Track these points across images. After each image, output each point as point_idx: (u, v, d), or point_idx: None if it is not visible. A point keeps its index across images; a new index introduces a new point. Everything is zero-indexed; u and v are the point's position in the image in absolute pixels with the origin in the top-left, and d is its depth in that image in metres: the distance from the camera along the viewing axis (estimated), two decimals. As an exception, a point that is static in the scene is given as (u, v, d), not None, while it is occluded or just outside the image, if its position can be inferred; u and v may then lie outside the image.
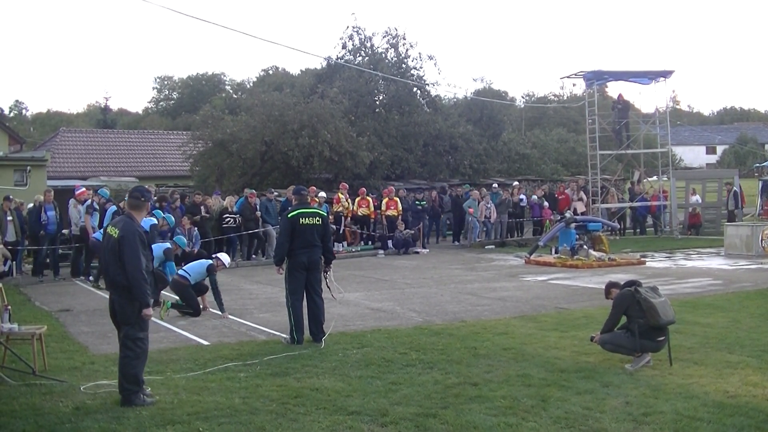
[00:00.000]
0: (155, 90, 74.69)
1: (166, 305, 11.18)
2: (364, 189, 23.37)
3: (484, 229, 23.43)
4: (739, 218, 24.20)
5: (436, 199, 24.60)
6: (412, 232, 22.00)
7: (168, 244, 12.87)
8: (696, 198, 27.27)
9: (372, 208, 22.41)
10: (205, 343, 9.28)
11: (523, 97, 65.65)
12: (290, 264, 9.27)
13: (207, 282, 11.54)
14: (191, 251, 15.88)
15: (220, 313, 11.16)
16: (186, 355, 8.41)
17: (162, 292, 11.39)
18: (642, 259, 18.15)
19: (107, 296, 6.84)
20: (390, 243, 21.87)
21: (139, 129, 49.19)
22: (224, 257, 12.05)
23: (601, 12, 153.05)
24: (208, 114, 28.29)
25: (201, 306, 11.46)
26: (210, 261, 11.92)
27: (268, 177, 27.64)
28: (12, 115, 70.99)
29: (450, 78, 72.40)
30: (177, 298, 11.52)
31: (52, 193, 17.30)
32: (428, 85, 32.37)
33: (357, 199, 22.47)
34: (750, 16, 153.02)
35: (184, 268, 11.64)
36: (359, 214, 22.33)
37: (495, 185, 25.72)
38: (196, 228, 17.90)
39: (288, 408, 6.28)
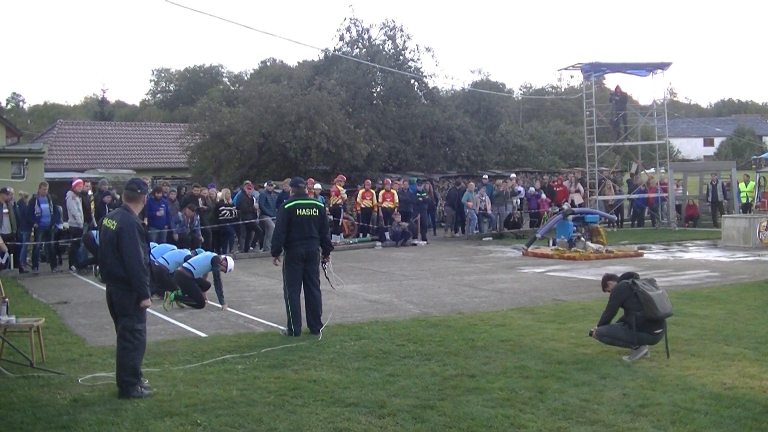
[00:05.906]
0: (152, 82, 74.62)
1: (170, 297, 11.17)
2: (369, 180, 23.31)
3: (486, 220, 23.45)
4: (735, 210, 24.17)
5: (431, 190, 24.61)
6: (407, 224, 21.94)
7: (214, 254, 12.13)
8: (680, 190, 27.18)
9: (375, 201, 22.44)
10: (203, 335, 9.28)
11: (520, 89, 65.69)
12: (288, 255, 9.27)
13: (209, 277, 11.52)
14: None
15: (219, 305, 11.16)
16: (184, 347, 8.41)
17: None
18: (639, 251, 18.16)
19: (105, 288, 6.83)
20: (387, 235, 21.86)
21: (137, 121, 49.15)
22: (231, 261, 11.86)
23: (599, 4, 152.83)
24: (206, 106, 28.24)
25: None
26: (213, 254, 11.89)
27: (265, 169, 27.65)
28: (9, 107, 70.77)
29: (447, 70, 72.69)
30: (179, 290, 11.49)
31: (47, 186, 17.24)
32: (426, 76, 32.35)
33: (362, 191, 22.46)
34: (747, 9, 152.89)
35: (189, 261, 11.62)
36: (363, 206, 22.34)
37: (485, 176, 25.70)
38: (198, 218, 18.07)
39: (286, 400, 6.28)
